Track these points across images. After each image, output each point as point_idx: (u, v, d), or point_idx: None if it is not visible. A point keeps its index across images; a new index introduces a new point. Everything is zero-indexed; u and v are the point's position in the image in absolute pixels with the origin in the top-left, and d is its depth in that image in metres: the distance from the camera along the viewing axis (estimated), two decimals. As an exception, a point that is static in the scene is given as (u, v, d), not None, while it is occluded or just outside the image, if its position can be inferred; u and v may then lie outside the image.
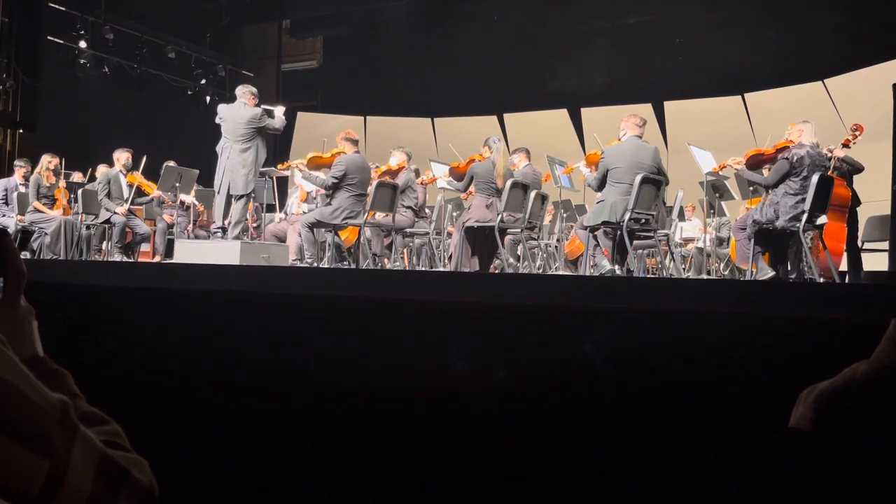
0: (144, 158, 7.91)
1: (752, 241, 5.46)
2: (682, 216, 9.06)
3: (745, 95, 11.84)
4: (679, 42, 12.29)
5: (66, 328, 1.97)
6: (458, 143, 8.45)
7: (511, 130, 13.10)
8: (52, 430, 0.69)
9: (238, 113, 6.66)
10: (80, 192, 8.00)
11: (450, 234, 7.74)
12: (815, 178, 5.29)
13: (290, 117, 14.07)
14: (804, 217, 5.27)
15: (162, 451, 1.00)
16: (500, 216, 6.20)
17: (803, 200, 5.31)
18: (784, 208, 5.38)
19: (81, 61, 11.68)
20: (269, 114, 6.78)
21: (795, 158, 5.41)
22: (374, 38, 13.84)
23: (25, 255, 7.70)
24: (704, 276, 7.09)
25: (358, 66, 14.08)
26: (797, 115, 6.00)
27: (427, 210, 8.07)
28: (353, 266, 6.88)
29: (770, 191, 5.59)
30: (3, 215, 8.02)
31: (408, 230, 7.50)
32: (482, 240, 6.43)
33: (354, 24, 13.74)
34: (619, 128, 5.95)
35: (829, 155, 5.91)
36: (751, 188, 6.94)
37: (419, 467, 1.78)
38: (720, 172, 6.52)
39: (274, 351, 2.02)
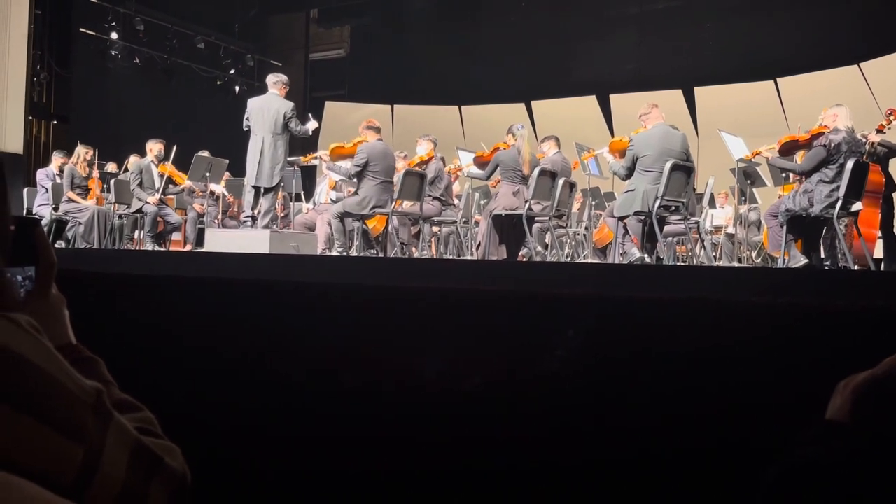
0: (175, 148, 8.00)
1: (785, 228, 5.34)
2: (712, 203, 8.93)
3: (778, 80, 11.63)
4: (709, 27, 12.11)
5: (100, 316, 2.00)
6: (485, 131, 8.42)
7: (539, 118, 13.02)
8: (87, 418, 0.69)
9: (270, 104, 6.70)
10: (112, 182, 8.12)
11: (477, 223, 7.73)
12: (849, 164, 5.13)
13: (318, 106, 14.19)
14: (839, 204, 5.14)
15: (194, 438, 1.01)
16: (527, 204, 6.16)
17: (839, 188, 5.16)
18: (819, 196, 5.22)
19: (113, 52, 11.83)
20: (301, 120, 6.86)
21: (833, 145, 5.21)
22: (402, 27, 13.84)
23: (60, 244, 7.83)
24: (736, 264, 7.00)
25: (385, 55, 14.10)
26: (831, 100, 5.85)
27: (456, 199, 8.06)
28: (380, 254, 6.90)
29: (804, 178, 5.44)
30: (44, 203, 8.16)
31: (435, 219, 7.48)
32: (510, 228, 6.40)
33: (382, 13, 13.75)
34: (640, 119, 5.85)
35: (865, 140, 5.75)
36: (783, 175, 6.82)
37: (447, 456, 1.79)
38: (753, 159, 6.41)
39: (303, 338, 2.04)
